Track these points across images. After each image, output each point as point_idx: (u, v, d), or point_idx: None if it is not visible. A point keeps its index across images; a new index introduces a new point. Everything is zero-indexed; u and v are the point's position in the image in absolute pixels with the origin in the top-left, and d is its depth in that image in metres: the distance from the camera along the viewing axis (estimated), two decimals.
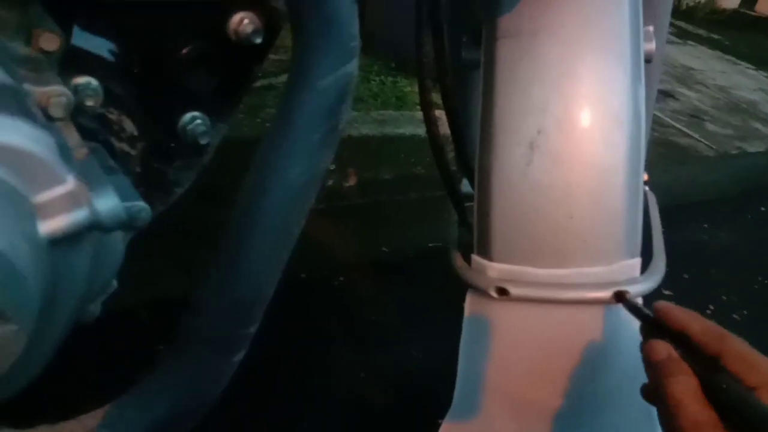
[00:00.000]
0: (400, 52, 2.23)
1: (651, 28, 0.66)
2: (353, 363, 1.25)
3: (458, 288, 0.65)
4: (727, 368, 0.39)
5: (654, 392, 0.42)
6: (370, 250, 1.62)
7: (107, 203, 0.28)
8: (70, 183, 0.27)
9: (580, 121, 0.54)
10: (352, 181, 1.76)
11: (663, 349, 0.42)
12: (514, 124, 0.55)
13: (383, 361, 1.28)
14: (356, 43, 0.43)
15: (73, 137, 0.32)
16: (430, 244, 1.61)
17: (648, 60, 0.66)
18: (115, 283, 0.39)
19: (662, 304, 0.45)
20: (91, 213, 0.26)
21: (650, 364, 0.42)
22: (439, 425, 0.66)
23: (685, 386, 0.39)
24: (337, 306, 1.39)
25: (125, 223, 0.30)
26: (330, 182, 1.73)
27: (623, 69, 0.56)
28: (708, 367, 0.40)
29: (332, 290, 1.43)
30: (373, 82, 2.16)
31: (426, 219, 1.71)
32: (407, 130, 1.91)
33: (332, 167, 1.73)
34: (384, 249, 1.64)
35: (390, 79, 2.21)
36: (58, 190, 0.26)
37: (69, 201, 0.26)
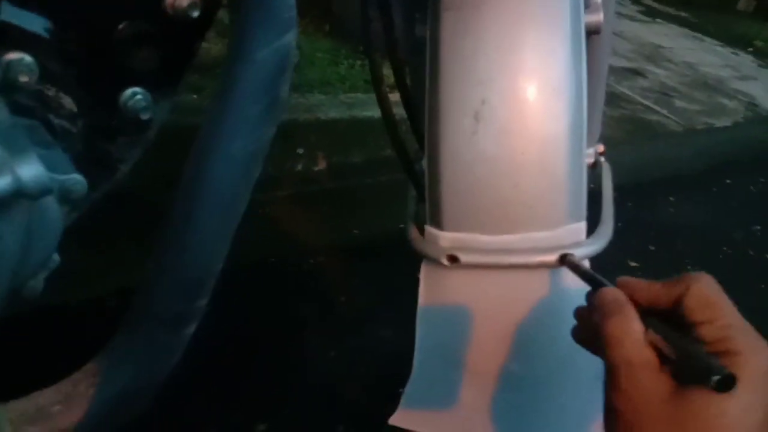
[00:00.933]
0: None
1: (599, 0, 0.67)
2: (326, 344, 1.27)
3: None
4: (684, 307, 0.38)
5: (593, 336, 0.41)
6: (341, 233, 1.62)
7: (31, 171, 0.28)
8: None
9: (523, 91, 0.55)
10: (321, 165, 1.76)
11: (610, 292, 0.41)
12: (460, 95, 0.56)
13: (355, 342, 1.29)
14: (293, 14, 0.44)
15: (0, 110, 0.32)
16: (401, 226, 1.62)
17: (595, 31, 0.67)
18: (56, 257, 0.39)
19: (624, 279, 0.44)
20: (13, 180, 0.27)
21: (595, 308, 0.41)
22: (400, 395, 0.68)
23: (623, 325, 0.38)
24: (308, 289, 1.40)
25: (54, 192, 0.30)
26: (299, 167, 1.73)
27: (562, 41, 0.57)
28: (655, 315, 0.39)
29: (303, 274, 1.44)
30: (341, 65, 2.16)
31: (396, 201, 1.72)
32: (376, 113, 1.90)
33: (301, 151, 1.73)
34: (355, 231, 1.65)
35: (358, 62, 2.21)
36: None
37: None
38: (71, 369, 0.48)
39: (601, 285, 0.45)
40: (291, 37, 0.44)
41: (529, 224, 0.56)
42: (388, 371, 1.21)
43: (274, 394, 1.13)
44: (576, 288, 0.60)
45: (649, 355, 0.37)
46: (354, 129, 1.86)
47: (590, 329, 0.43)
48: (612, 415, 0.39)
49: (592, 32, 0.67)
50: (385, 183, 1.80)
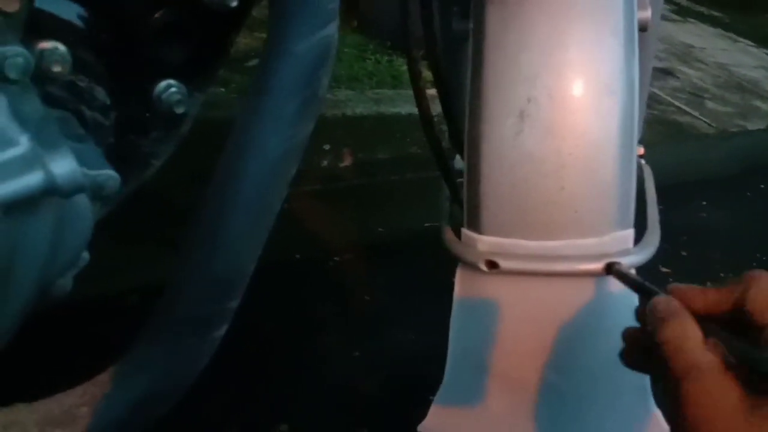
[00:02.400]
0: (396, 31, 2.20)
1: None
2: (347, 344, 1.25)
3: (453, 268, 0.63)
4: (747, 310, 0.35)
5: (646, 352, 0.38)
6: (366, 230, 1.60)
7: (64, 167, 0.26)
8: (23, 146, 0.25)
9: (571, 89, 0.52)
10: (347, 162, 1.74)
11: (664, 301, 0.38)
12: (504, 93, 0.53)
13: (377, 342, 1.27)
14: (335, 5, 0.42)
15: (32, 101, 0.30)
16: (426, 225, 1.59)
17: (642, 29, 0.64)
18: (86, 256, 0.38)
19: (676, 286, 0.40)
20: (45, 176, 0.25)
21: (648, 318, 0.38)
22: (430, 403, 0.65)
23: (682, 330, 0.35)
24: (331, 287, 1.38)
25: (87, 189, 0.28)
26: (325, 163, 1.71)
27: (615, 36, 0.54)
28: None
29: (327, 271, 1.42)
30: (368, 61, 2.13)
31: (422, 199, 1.69)
32: (403, 109, 1.89)
33: (327, 147, 1.71)
34: (380, 230, 1.62)
35: (386, 58, 2.18)
36: (10, 153, 0.25)
37: (22, 164, 0.25)
38: (92, 366, 0.47)
39: (652, 294, 0.43)
40: (332, 29, 0.42)
41: (575, 230, 0.53)
42: (411, 373, 1.19)
43: (296, 394, 1.11)
44: (620, 297, 0.57)
45: (713, 359, 0.34)
46: (381, 125, 1.84)
47: (642, 344, 0.40)
48: (680, 428, 0.35)
49: (639, 29, 0.64)
50: (410, 180, 1.77)
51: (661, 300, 0.39)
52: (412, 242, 1.55)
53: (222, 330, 0.46)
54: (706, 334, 0.36)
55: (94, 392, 0.45)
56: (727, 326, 0.36)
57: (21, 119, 0.27)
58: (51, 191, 0.26)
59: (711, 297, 0.38)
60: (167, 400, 0.47)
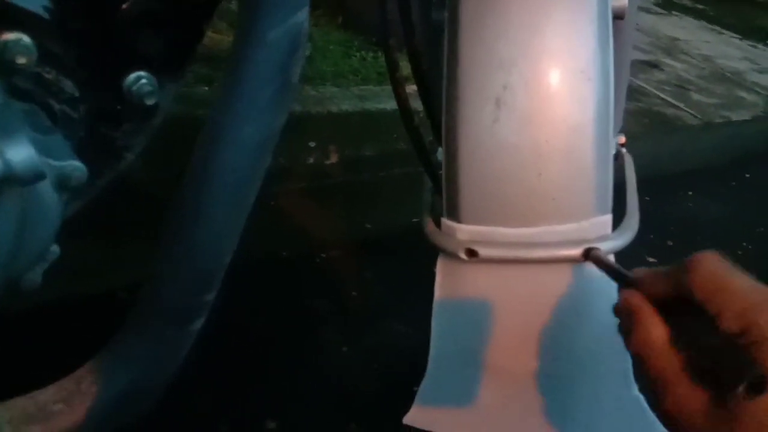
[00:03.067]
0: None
1: None
2: (336, 340, 1.24)
3: None
4: (694, 296, 0.35)
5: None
6: (353, 227, 1.60)
7: (20, 154, 0.26)
8: None
9: (548, 76, 0.52)
10: (333, 158, 1.73)
11: (629, 298, 0.39)
12: (480, 81, 0.53)
13: (367, 337, 1.27)
14: None
15: None
16: (414, 220, 1.59)
17: (620, 16, 0.64)
18: (56, 248, 0.37)
19: (639, 273, 0.41)
20: (2, 164, 0.24)
21: (620, 313, 0.39)
22: (414, 393, 0.65)
23: (645, 339, 0.36)
24: (319, 283, 1.38)
25: (47, 177, 0.28)
26: (311, 160, 1.70)
27: (590, 23, 0.54)
28: (676, 310, 0.36)
29: (315, 267, 1.42)
30: (354, 57, 2.13)
31: (409, 195, 1.69)
32: (389, 105, 1.88)
33: (312, 144, 1.70)
34: (367, 226, 1.62)
35: (371, 54, 2.17)
36: None
37: None
38: (81, 364, 0.46)
39: (626, 280, 0.43)
40: (303, 16, 0.41)
41: (553, 216, 0.53)
42: (401, 367, 1.19)
43: (285, 390, 1.11)
44: (601, 282, 0.57)
45: (677, 368, 0.35)
46: (367, 122, 1.83)
47: None
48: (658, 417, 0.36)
49: (616, 17, 0.64)
50: (397, 177, 1.77)
51: (626, 299, 0.39)
52: (399, 238, 1.55)
53: (199, 322, 0.46)
54: (672, 326, 0.36)
55: (70, 388, 0.44)
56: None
57: None
58: (8, 179, 0.25)
59: (664, 282, 0.38)
60: (146, 394, 0.47)
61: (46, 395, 0.43)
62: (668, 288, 0.37)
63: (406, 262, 1.44)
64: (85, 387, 0.45)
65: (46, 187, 0.31)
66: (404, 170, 1.78)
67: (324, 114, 1.75)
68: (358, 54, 2.18)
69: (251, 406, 1.06)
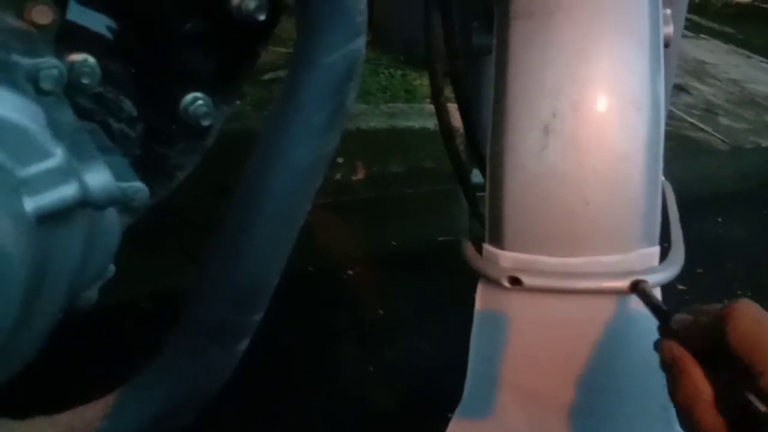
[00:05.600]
0: (410, 45, 2.21)
1: (668, 11, 0.64)
2: (362, 357, 1.24)
3: (468, 282, 0.63)
4: (733, 352, 0.35)
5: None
6: (379, 244, 1.60)
7: (98, 179, 0.26)
8: (58, 157, 0.25)
9: (597, 104, 0.52)
10: (360, 175, 1.74)
11: (671, 349, 0.39)
12: (528, 107, 0.53)
13: (392, 355, 1.26)
14: (363, 19, 0.41)
15: (65, 113, 0.30)
16: (440, 239, 1.59)
17: (665, 44, 0.64)
18: (112, 268, 0.38)
19: (680, 320, 0.42)
20: (80, 188, 0.25)
21: (663, 363, 0.40)
22: (449, 420, 0.64)
23: (692, 391, 0.36)
24: (345, 300, 1.38)
25: (119, 201, 0.28)
26: (338, 176, 1.71)
27: (642, 51, 0.54)
28: (716, 363, 0.36)
29: (341, 284, 1.42)
30: (382, 75, 2.14)
31: (436, 213, 1.69)
32: (417, 123, 1.89)
33: (340, 161, 1.71)
34: (393, 243, 1.62)
35: (399, 72, 2.19)
36: (46, 164, 0.25)
37: (57, 176, 0.25)
38: (107, 371, 0.46)
39: (666, 325, 0.43)
40: (361, 42, 0.41)
41: (599, 246, 0.52)
42: (425, 385, 1.18)
43: (310, 406, 1.10)
44: (643, 316, 0.56)
45: (721, 426, 0.35)
46: (394, 139, 1.84)
47: None
48: None
49: (664, 45, 0.63)
50: (424, 194, 1.77)
51: (668, 349, 0.40)
52: (425, 255, 1.55)
53: (245, 342, 0.45)
54: (714, 381, 0.36)
55: (114, 404, 0.44)
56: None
57: (55, 131, 0.27)
58: (85, 203, 0.25)
59: (703, 332, 0.38)
60: (188, 412, 0.47)
61: (91, 411, 0.43)
62: (707, 340, 0.37)
63: (430, 280, 1.44)
64: (128, 405, 0.45)
65: (111, 210, 0.31)
66: (431, 187, 1.78)
67: (352, 131, 1.76)
68: (386, 71, 2.20)
69: (274, 419, 1.06)
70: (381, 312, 1.36)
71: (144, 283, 1.24)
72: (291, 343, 1.20)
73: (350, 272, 1.45)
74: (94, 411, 0.43)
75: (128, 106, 0.42)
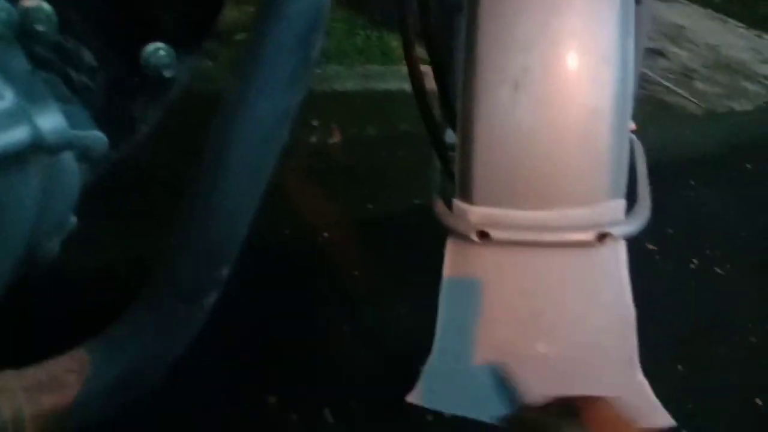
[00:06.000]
0: (386, 6, 2.18)
1: None
2: (338, 318, 1.25)
3: (443, 243, 0.63)
4: None
5: None
6: (355, 207, 1.60)
7: (51, 122, 0.26)
8: (7, 100, 0.25)
9: (567, 59, 0.52)
10: (336, 138, 1.73)
11: None
12: (499, 63, 0.53)
13: (369, 316, 1.27)
14: None
15: (17, 58, 0.29)
16: (416, 201, 1.59)
17: (637, 1, 0.64)
18: (74, 220, 0.37)
19: None
20: (32, 131, 0.24)
21: None
22: (418, 372, 0.66)
23: None
24: (321, 262, 1.38)
25: (75, 148, 0.27)
26: (313, 139, 1.70)
27: (612, 7, 0.53)
28: None
29: (317, 246, 1.42)
30: (358, 36, 2.11)
31: (412, 176, 1.69)
32: (393, 85, 1.87)
33: (315, 123, 1.69)
34: (369, 206, 1.62)
35: (375, 33, 2.16)
36: None
37: (7, 118, 0.24)
38: (80, 336, 0.46)
39: None
40: None
41: (566, 200, 0.53)
42: (403, 347, 1.19)
43: (286, 367, 1.12)
44: (611, 267, 0.58)
45: None
46: (370, 101, 1.82)
47: None
48: None
49: (635, 1, 0.63)
50: (400, 157, 1.76)
51: None
52: (401, 219, 1.55)
53: (214, 297, 0.46)
54: None
55: (82, 360, 0.44)
56: None
57: (6, 74, 0.26)
58: (38, 147, 0.25)
59: None
60: (158, 367, 0.47)
61: (58, 366, 0.43)
62: None
63: (407, 243, 1.45)
64: (98, 359, 0.45)
65: (68, 158, 0.31)
66: (407, 151, 1.77)
67: (328, 93, 1.74)
68: (362, 33, 2.17)
69: (252, 380, 1.07)
70: (357, 274, 1.37)
71: (119, 248, 1.23)
72: (266, 304, 1.21)
73: (326, 235, 1.45)
74: (63, 365, 0.43)
75: (88, 56, 0.41)
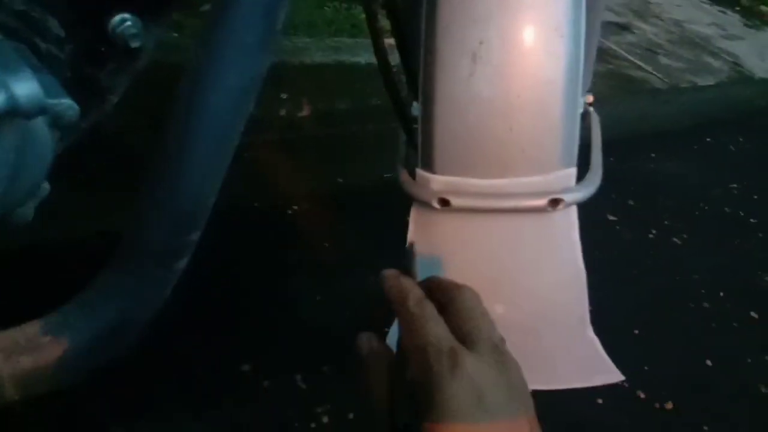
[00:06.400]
0: None
1: None
2: (311, 288, 1.27)
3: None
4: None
5: None
6: (325, 180, 1.61)
7: (26, 88, 0.27)
8: None
9: (522, 32, 0.54)
10: (305, 111, 1.73)
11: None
12: (457, 35, 0.55)
13: (340, 285, 1.30)
14: None
15: None
16: (386, 175, 1.61)
17: None
18: (47, 186, 0.38)
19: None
20: (7, 97, 0.26)
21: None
22: (385, 334, 0.69)
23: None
24: (291, 234, 1.40)
25: (48, 113, 0.29)
26: (283, 112, 1.69)
27: None
28: None
29: (286, 219, 1.44)
30: (327, 8, 2.09)
31: (381, 150, 1.70)
32: (363, 58, 1.87)
33: (285, 96, 1.69)
34: (339, 180, 1.64)
35: (344, 6, 2.14)
36: None
37: None
38: (52, 307, 0.48)
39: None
40: None
41: (522, 168, 0.56)
42: (373, 314, 1.22)
43: (259, 335, 1.14)
44: (564, 231, 0.61)
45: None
46: (340, 74, 1.82)
47: None
48: None
49: None
50: (370, 131, 1.78)
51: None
52: (371, 192, 1.57)
53: (183, 262, 0.47)
54: None
55: (57, 322, 0.46)
56: None
57: None
58: (13, 112, 0.26)
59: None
60: (131, 330, 0.49)
61: (34, 328, 0.44)
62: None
63: (377, 216, 1.47)
64: (72, 321, 0.46)
65: (40, 124, 0.32)
66: (377, 125, 1.79)
67: (297, 65, 1.73)
68: (331, 5, 2.15)
69: (226, 349, 1.09)
70: (327, 245, 1.39)
71: (91, 221, 1.23)
72: (238, 275, 1.23)
73: (296, 208, 1.46)
74: (39, 327, 0.45)
75: (55, 26, 0.42)
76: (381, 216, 1.45)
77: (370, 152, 1.73)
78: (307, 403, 1.06)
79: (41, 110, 0.28)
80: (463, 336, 0.41)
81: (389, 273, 0.45)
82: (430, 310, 0.42)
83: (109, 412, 0.97)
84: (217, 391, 1.04)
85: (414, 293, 0.43)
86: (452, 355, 0.38)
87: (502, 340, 0.43)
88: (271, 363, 1.09)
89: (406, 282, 0.44)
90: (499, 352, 0.41)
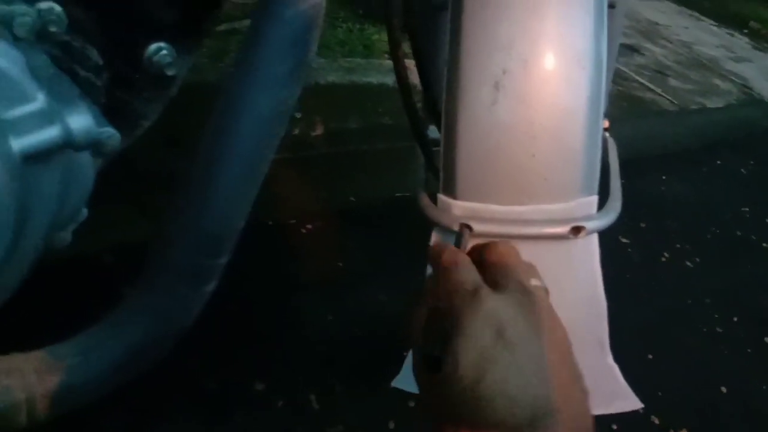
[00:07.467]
0: (369, 1, 2.20)
1: None
2: (323, 307, 1.28)
3: (424, 236, 0.66)
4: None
5: None
6: (337, 199, 1.62)
7: (80, 122, 0.28)
8: (40, 101, 0.27)
9: (544, 61, 0.55)
10: (318, 130, 1.75)
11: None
12: (480, 63, 0.56)
13: (352, 305, 1.30)
14: None
15: (41, 59, 0.32)
16: (397, 194, 1.62)
17: (612, 5, 0.67)
18: (85, 211, 0.39)
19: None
20: (63, 130, 0.26)
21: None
22: (403, 357, 0.69)
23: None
24: (304, 253, 1.41)
25: (96, 144, 0.30)
26: (296, 131, 1.71)
27: (587, 11, 0.57)
28: None
29: (300, 238, 1.44)
30: (339, 29, 2.12)
31: (393, 169, 1.72)
32: (375, 78, 1.89)
33: (298, 116, 1.71)
34: (351, 198, 1.65)
35: (357, 26, 2.17)
36: (30, 107, 0.26)
37: (41, 118, 0.27)
38: (72, 320, 0.48)
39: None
40: None
41: (544, 195, 0.57)
42: (384, 332, 1.23)
43: (272, 354, 1.14)
44: (584, 258, 0.61)
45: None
46: (352, 94, 1.84)
47: None
48: None
49: (609, 5, 0.67)
50: (382, 150, 1.79)
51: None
52: (382, 211, 1.58)
53: (212, 284, 0.48)
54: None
55: (87, 343, 0.46)
56: None
57: (35, 75, 0.28)
58: (67, 145, 0.27)
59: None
60: (158, 351, 0.49)
61: (65, 349, 0.45)
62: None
63: (388, 234, 1.48)
64: (101, 343, 0.47)
65: (85, 153, 0.33)
66: (388, 144, 1.80)
67: (311, 85, 1.76)
68: (344, 25, 2.18)
69: (240, 367, 1.09)
70: (340, 264, 1.40)
71: (105, 236, 1.24)
72: (252, 294, 1.23)
73: (309, 226, 1.47)
74: (68, 348, 0.46)
75: (94, 54, 0.43)
76: (393, 234, 1.45)
77: (381, 170, 1.74)
78: (319, 423, 1.06)
79: (92, 143, 0.29)
80: (496, 283, 0.42)
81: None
82: (462, 258, 0.44)
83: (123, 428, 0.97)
84: (231, 410, 1.04)
85: (450, 249, 0.46)
86: (474, 293, 0.40)
87: (544, 290, 0.45)
88: (284, 381, 1.10)
89: (446, 245, 0.47)
90: (527, 293, 0.42)
